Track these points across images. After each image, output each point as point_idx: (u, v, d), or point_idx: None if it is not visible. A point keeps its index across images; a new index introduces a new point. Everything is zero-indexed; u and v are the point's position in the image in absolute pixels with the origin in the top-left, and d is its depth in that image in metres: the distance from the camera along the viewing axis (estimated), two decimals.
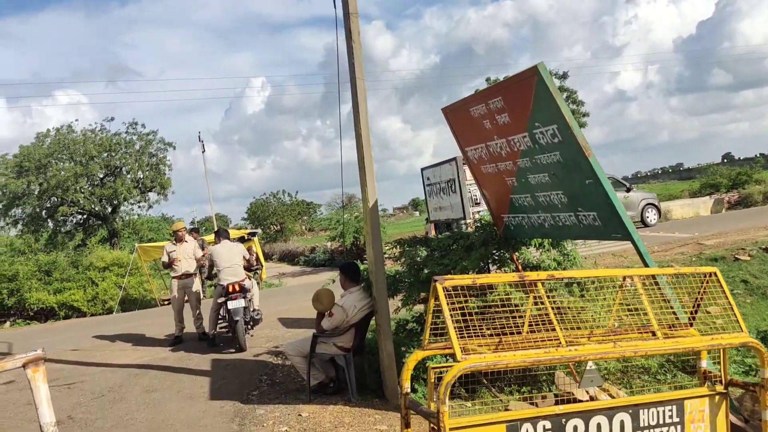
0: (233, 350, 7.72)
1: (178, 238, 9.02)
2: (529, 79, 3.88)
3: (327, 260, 25.69)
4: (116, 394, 6.29)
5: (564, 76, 27.97)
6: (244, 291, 7.81)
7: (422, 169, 8.80)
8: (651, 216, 18.43)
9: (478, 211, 12.95)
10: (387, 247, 6.29)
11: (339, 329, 5.36)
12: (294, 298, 12.77)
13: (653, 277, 3.71)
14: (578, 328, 3.46)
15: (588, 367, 2.91)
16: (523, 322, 3.36)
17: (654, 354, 4.09)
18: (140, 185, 29.72)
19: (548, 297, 3.02)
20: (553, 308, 2.82)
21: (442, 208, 8.32)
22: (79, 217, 30.46)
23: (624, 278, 3.17)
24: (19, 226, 28.83)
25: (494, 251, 5.60)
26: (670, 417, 3.11)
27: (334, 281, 6.26)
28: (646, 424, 2.97)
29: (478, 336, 2.92)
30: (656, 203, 19.07)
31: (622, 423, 2.90)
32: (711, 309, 3.59)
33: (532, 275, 2.90)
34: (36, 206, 27.98)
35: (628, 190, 18.23)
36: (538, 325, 2.97)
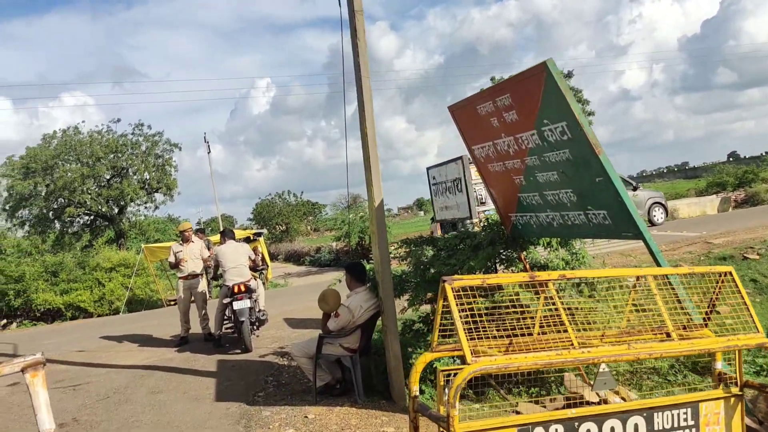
0: (239, 351, 7.69)
1: (184, 239, 8.99)
2: (537, 76, 3.82)
3: (332, 260, 25.65)
4: (122, 395, 6.26)
5: (569, 75, 27.87)
6: (249, 291, 7.77)
7: (428, 169, 8.74)
8: (658, 215, 18.31)
9: (484, 211, 12.87)
10: (393, 247, 6.23)
11: (345, 330, 5.30)
12: (299, 299, 12.73)
13: (665, 276, 3.64)
14: (589, 329, 3.39)
15: (601, 370, 2.84)
16: (533, 323, 3.30)
17: (669, 356, 4.01)
18: (146, 186, 29.81)
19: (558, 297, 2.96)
20: (564, 309, 2.75)
21: (448, 208, 8.26)
22: (86, 218, 30.59)
23: (637, 278, 3.09)
24: (26, 227, 28.95)
25: (502, 251, 5.54)
26: (685, 420, 3.03)
27: (340, 281, 6.21)
28: (661, 428, 2.90)
29: (488, 337, 2.85)
30: (663, 202, 18.94)
31: (636, 426, 2.83)
32: (720, 308, 3.52)
33: (542, 275, 2.83)
34: (43, 207, 28.11)
35: (635, 188, 18.11)
36: (549, 326, 2.90)
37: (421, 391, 4.83)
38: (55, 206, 28.37)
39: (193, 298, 8.88)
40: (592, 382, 4.96)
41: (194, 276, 8.82)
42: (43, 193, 27.57)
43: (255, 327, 8.32)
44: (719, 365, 3.38)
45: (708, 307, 3.29)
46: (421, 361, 2.97)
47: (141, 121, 32.69)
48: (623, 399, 4.78)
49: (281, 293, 15.99)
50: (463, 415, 2.80)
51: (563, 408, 4.63)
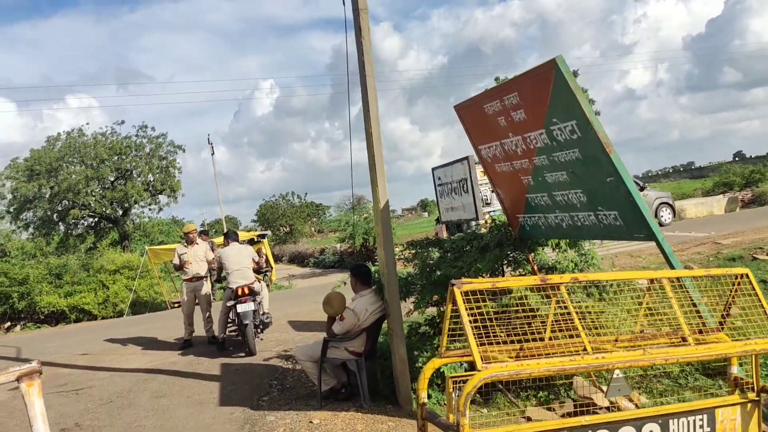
0: (243, 354, 7.62)
1: (189, 241, 8.92)
2: (546, 74, 3.73)
3: (336, 262, 25.60)
4: (125, 399, 6.19)
5: (574, 75, 27.75)
6: (253, 294, 7.70)
7: (433, 169, 8.62)
8: (665, 215, 18.17)
9: (488, 212, 12.77)
10: (398, 249, 6.16)
11: (350, 333, 5.22)
12: (304, 301, 12.67)
13: (678, 279, 3.54)
14: (602, 334, 3.30)
15: (615, 376, 2.75)
16: (543, 327, 3.21)
17: (686, 361, 3.91)
18: (150, 188, 29.86)
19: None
20: (578, 313, 2.66)
21: (453, 209, 8.15)
22: (90, 220, 30.66)
23: (651, 281, 3.00)
24: (31, 230, 29.02)
25: (509, 252, 5.44)
26: (701, 426, 2.94)
27: (345, 283, 6.13)
28: None
29: (499, 342, 2.77)
30: (671, 202, 18.80)
31: None
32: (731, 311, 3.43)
33: (554, 278, 2.74)
34: (47, 209, 28.17)
35: (642, 188, 17.97)
36: (562, 330, 2.81)
37: (428, 396, 4.76)
38: (60, 208, 28.43)
39: (197, 301, 8.82)
40: (602, 387, 4.89)
41: (198, 278, 8.76)
42: (47, 196, 27.63)
43: (259, 330, 8.25)
44: (735, 370, 3.28)
45: (724, 310, 3.20)
46: (429, 367, 2.88)
47: (145, 123, 32.79)
48: (634, 404, 4.68)
49: (285, 295, 15.93)
50: (473, 423, 2.72)
51: (573, 413, 4.55)
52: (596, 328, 3.34)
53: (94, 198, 28.12)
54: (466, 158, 7.62)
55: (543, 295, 4.21)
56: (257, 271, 8.43)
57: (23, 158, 28.07)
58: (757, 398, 3.11)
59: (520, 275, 5.66)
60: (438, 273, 5.47)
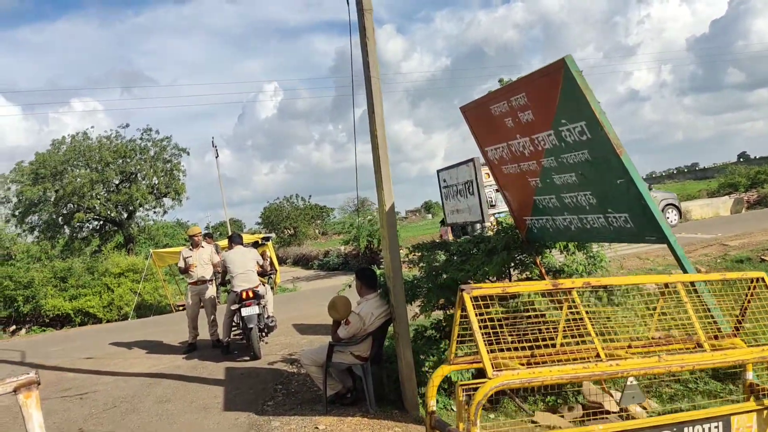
0: (247, 358, 7.56)
1: (194, 243, 8.87)
2: (555, 74, 3.67)
3: (341, 264, 25.55)
4: (129, 404, 6.15)
5: None
6: (258, 297, 7.65)
7: (438, 171, 8.57)
8: (671, 217, 18.06)
9: (493, 213, 12.70)
10: (403, 252, 6.08)
11: (356, 338, 5.16)
12: (308, 303, 12.61)
13: (692, 283, 3.47)
14: (615, 340, 3.23)
15: (629, 383, 2.69)
16: (552, 331, 3.14)
17: (702, 368, 3.83)
18: (155, 191, 29.88)
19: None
20: (590, 318, 2.60)
21: (459, 211, 8.10)
22: (95, 223, 30.69)
23: (666, 285, 2.93)
24: (36, 233, 29.07)
25: (516, 255, 5.37)
26: None
27: (350, 286, 6.06)
28: None
29: (509, 349, 2.70)
30: (677, 203, 18.68)
31: None
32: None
33: (566, 282, 2.68)
34: (52, 213, 28.22)
35: (648, 189, 17.86)
36: (574, 337, 2.74)
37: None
38: (65, 212, 28.48)
39: (202, 304, 8.77)
40: (611, 391, 4.81)
41: (203, 282, 8.71)
42: (52, 199, 27.68)
43: (264, 334, 8.20)
44: (750, 376, 3.21)
45: (739, 314, 3.13)
46: (438, 375, 2.82)
47: (149, 126, 32.83)
48: (644, 409, 4.60)
49: (290, 298, 15.88)
50: (482, 430, 2.65)
51: (583, 419, 4.47)
52: (607, 334, 3.27)
53: (99, 201, 28.14)
54: (472, 160, 7.57)
55: (552, 300, 4.14)
56: (262, 274, 8.38)
57: (28, 162, 28.15)
58: None
59: (527, 278, 5.59)
60: (444, 276, 5.41)
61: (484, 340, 2.47)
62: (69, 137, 29.10)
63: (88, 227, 30.70)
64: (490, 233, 6.06)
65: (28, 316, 16.57)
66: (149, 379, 7.14)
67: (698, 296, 3.34)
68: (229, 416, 5.40)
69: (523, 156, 4.60)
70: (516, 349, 2.82)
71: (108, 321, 16.58)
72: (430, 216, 73.25)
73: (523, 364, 2.66)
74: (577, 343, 2.86)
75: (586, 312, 2.88)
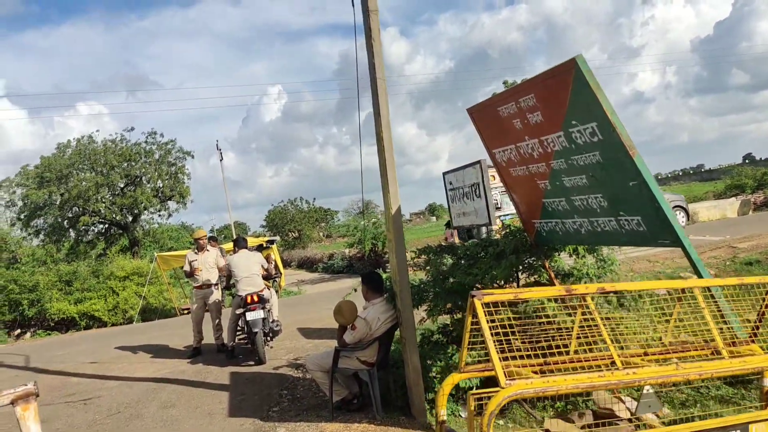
0: (252, 363, 7.50)
1: (199, 247, 8.81)
2: (565, 74, 3.59)
3: (345, 267, 25.46)
4: (133, 410, 6.09)
5: None
6: (262, 301, 7.59)
7: (444, 174, 8.49)
8: (679, 218, 17.88)
9: (498, 216, 12.59)
10: (409, 255, 6.01)
11: (362, 343, 5.09)
12: (313, 307, 12.54)
13: (708, 288, 3.38)
14: (624, 346, 3.15)
15: (644, 391, 2.60)
16: (563, 336, 3.06)
17: (721, 376, 3.74)
18: (160, 194, 29.89)
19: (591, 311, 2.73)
20: (605, 325, 2.52)
21: (465, 214, 8.01)
22: (101, 226, 30.71)
23: (683, 290, 2.85)
24: (41, 236, 29.11)
25: (525, 259, 5.29)
26: None
27: (355, 290, 5.99)
28: None
29: (522, 357, 2.62)
30: (684, 205, 18.54)
31: None
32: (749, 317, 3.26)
33: (580, 288, 2.60)
34: (57, 216, 28.26)
35: None
36: (589, 344, 2.66)
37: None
38: (70, 215, 28.51)
39: (207, 308, 8.71)
40: (623, 397, 4.71)
41: (208, 285, 8.65)
42: (57, 202, 27.72)
43: (269, 338, 8.13)
44: (767, 382, 3.13)
45: (757, 320, 3.04)
46: (448, 383, 2.75)
47: (154, 129, 32.79)
48: (657, 416, 4.51)
49: (295, 301, 15.81)
50: None
51: (594, 425, 4.38)
52: (621, 341, 3.19)
53: (104, 204, 28.18)
54: (479, 162, 7.49)
55: (564, 306, 4.05)
56: (266, 277, 8.32)
57: (34, 165, 28.21)
58: None
59: (536, 282, 5.51)
60: (452, 280, 5.33)
61: (496, 348, 2.39)
62: (74, 141, 29.17)
63: (93, 230, 30.71)
64: (498, 236, 5.98)
65: (33, 319, 16.55)
66: (153, 384, 7.09)
67: (715, 302, 3.26)
68: (234, 422, 5.34)
69: (532, 158, 4.52)
70: (528, 356, 2.75)
71: (113, 324, 16.55)
72: (434, 219, 73.17)
73: (536, 372, 2.58)
74: (591, 350, 2.78)
75: (601, 318, 2.80)
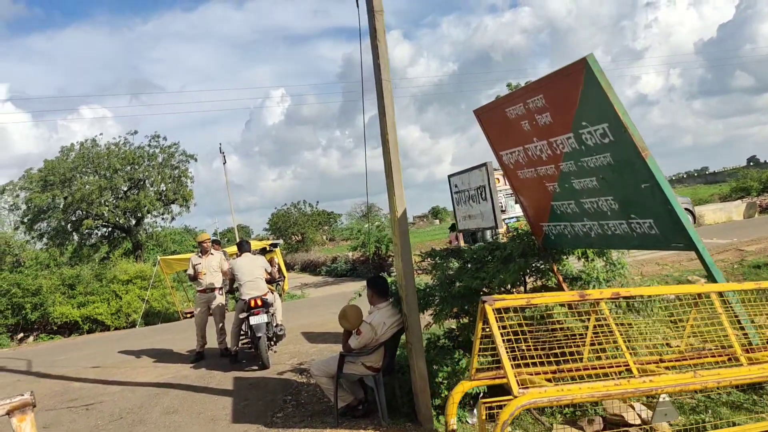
0: (256, 367, 7.42)
1: (203, 250, 8.74)
2: (576, 74, 3.52)
3: (349, 270, 25.41)
4: (135, 416, 6.02)
5: None
6: (266, 306, 7.52)
7: (450, 176, 8.42)
8: None
9: (504, 219, 12.50)
10: (414, 258, 5.92)
11: (367, 348, 5.01)
12: (317, 311, 12.47)
13: (721, 294, 3.30)
14: (638, 353, 3.07)
15: (661, 399, 2.52)
16: (578, 343, 2.98)
17: (740, 383, 3.65)
18: (163, 197, 29.88)
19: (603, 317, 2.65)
20: (620, 331, 2.44)
21: (471, 217, 7.94)
22: (104, 229, 30.70)
23: (699, 295, 2.77)
24: (45, 240, 29.12)
25: (533, 263, 5.21)
26: None
27: (360, 294, 5.92)
28: None
29: (536, 364, 2.54)
30: (691, 208, 18.40)
31: None
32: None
33: (594, 293, 2.53)
34: (61, 220, 28.25)
35: None
36: (604, 351, 2.58)
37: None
38: (73, 218, 28.50)
39: (210, 312, 8.64)
40: (633, 403, 4.62)
41: (212, 289, 8.58)
42: (61, 206, 27.73)
43: (272, 342, 8.06)
44: None
45: None
46: (458, 391, 2.67)
47: (157, 132, 32.85)
48: (669, 423, 4.42)
49: (298, 305, 15.74)
50: None
51: None
52: (634, 349, 3.11)
53: (107, 208, 28.19)
54: (485, 165, 7.42)
55: (576, 312, 3.97)
56: (270, 281, 8.25)
57: (37, 169, 28.23)
58: None
59: (543, 286, 5.42)
60: (458, 284, 5.25)
61: (509, 355, 2.32)
62: (78, 144, 29.18)
63: (96, 234, 30.71)
64: (504, 239, 5.90)
65: (36, 323, 16.50)
66: (156, 389, 7.02)
67: (731, 306, 3.18)
68: (237, 428, 5.26)
69: (541, 160, 4.45)
70: (540, 363, 2.67)
71: (116, 328, 16.51)
72: (437, 221, 73.04)
73: (548, 380, 2.51)
74: (605, 357, 2.70)
75: (605, 320, 2.72)
